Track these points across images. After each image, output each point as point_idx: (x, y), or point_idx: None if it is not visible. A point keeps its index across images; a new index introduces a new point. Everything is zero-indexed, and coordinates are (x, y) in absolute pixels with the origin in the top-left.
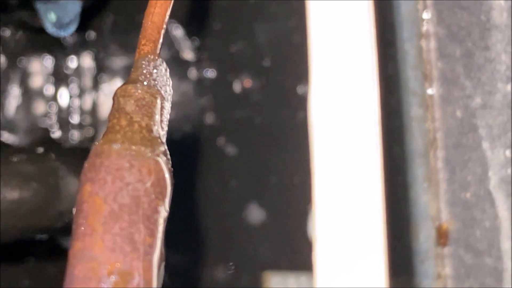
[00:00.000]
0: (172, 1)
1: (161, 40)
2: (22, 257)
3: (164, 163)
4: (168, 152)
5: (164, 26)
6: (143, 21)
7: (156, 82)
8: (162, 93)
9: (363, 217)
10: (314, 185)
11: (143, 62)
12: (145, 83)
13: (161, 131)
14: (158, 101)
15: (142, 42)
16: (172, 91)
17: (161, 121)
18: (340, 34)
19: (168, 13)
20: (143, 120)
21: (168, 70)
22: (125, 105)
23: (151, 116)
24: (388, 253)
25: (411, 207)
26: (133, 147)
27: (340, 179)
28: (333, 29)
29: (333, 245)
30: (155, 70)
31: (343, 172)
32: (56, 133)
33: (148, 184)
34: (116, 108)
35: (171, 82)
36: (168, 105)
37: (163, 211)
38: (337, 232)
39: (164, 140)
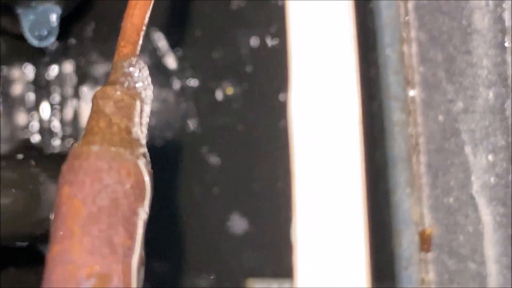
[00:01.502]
0: (152, 3)
1: (140, 42)
2: (1, 265)
3: (143, 165)
4: (148, 154)
5: (144, 27)
6: (122, 23)
7: (136, 84)
8: (141, 95)
9: (345, 222)
10: (295, 191)
11: (122, 63)
12: (124, 84)
13: (141, 133)
14: (138, 102)
15: (122, 44)
16: (152, 92)
17: (141, 123)
18: (320, 39)
19: (148, 14)
20: (122, 121)
21: (147, 71)
22: (104, 107)
23: (130, 118)
24: (371, 259)
25: (394, 212)
26: (112, 149)
27: (322, 185)
28: (313, 34)
29: (314, 251)
30: (134, 72)
31: (324, 177)
32: (37, 141)
33: (127, 186)
34: (95, 110)
35: (151, 84)
36: (148, 107)
37: (143, 213)
38: (318, 238)
39: (143, 142)
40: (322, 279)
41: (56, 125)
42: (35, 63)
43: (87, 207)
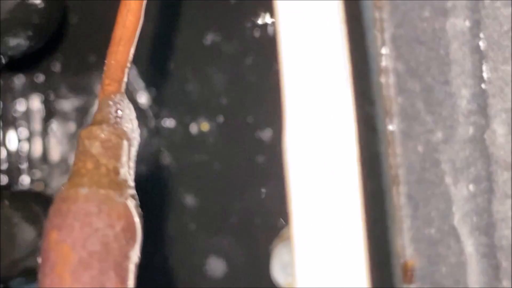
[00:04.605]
0: (136, 39)
1: (125, 79)
2: None
3: (133, 207)
4: (136, 196)
5: (128, 65)
6: (106, 60)
7: (122, 123)
8: (128, 134)
9: (344, 261)
10: (292, 225)
11: (108, 102)
12: (110, 124)
13: (129, 173)
14: (125, 142)
15: (106, 82)
16: (138, 131)
17: (129, 163)
18: (313, 72)
19: (132, 51)
20: (110, 162)
21: (133, 109)
22: (91, 148)
23: (118, 158)
24: None
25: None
26: (101, 191)
27: (318, 217)
28: (306, 70)
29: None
30: (120, 110)
31: (320, 209)
32: (5, 179)
33: (118, 229)
34: (82, 150)
35: (136, 122)
36: (135, 146)
37: (135, 257)
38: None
39: (132, 182)
40: None
41: (23, 161)
42: (1, 98)
43: (77, 253)
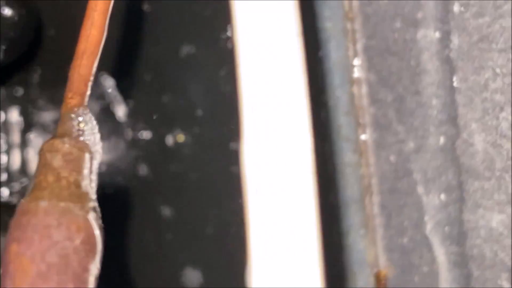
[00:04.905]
0: (99, 53)
1: (88, 93)
2: None
3: (94, 219)
4: (98, 208)
5: (91, 78)
6: (69, 73)
7: (84, 136)
8: (90, 147)
9: (300, 265)
10: (249, 237)
11: (70, 115)
12: (72, 137)
13: (90, 186)
14: (87, 155)
15: (69, 95)
16: (101, 144)
17: (90, 176)
18: (271, 84)
19: (95, 65)
20: (71, 175)
21: (95, 122)
22: (52, 161)
23: (79, 171)
24: None
25: (349, 254)
26: (61, 204)
27: (276, 229)
28: (264, 78)
29: None
30: (82, 124)
31: (278, 221)
32: None
33: (77, 242)
34: (43, 163)
35: (99, 135)
36: (97, 159)
37: (94, 269)
38: (273, 283)
39: (93, 195)
40: None
41: (2, 173)
42: None
43: (36, 265)
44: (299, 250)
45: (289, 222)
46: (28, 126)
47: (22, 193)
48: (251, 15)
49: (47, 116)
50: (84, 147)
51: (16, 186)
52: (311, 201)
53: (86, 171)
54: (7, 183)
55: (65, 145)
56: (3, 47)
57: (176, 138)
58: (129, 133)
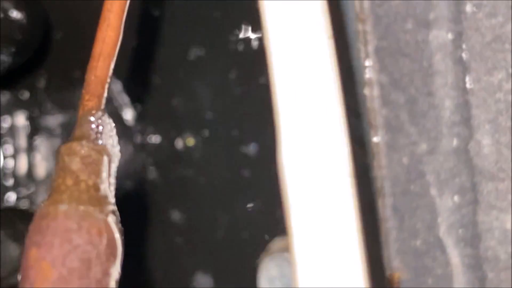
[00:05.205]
0: (116, 54)
1: (105, 95)
2: None
3: (113, 223)
4: (117, 211)
5: (108, 80)
6: (86, 76)
7: (102, 139)
8: (108, 150)
9: (343, 267)
10: (291, 235)
11: (88, 118)
12: (90, 139)
13: (109, 189)
14: (105, 158)
15: (86, 98)
16: (119, 146)
17: (109, 179)
18: (305, 87)
19: (112, 66)
20: (90, 178)
21: (113, 125)
22: (71, 164)
23: (98, 174)
24: None
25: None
26: (81, 207)
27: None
28: (298, 85)
29: None
30: (100, 126)
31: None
32: None
33: (98, 246)
34: (61, 167)
35: (117, 138)
36: (115, 162)
37: (115, 273)
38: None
39: (112, 199)
40: None
41: (9, 178)
42: None
43: (56, 270)
44: (343, 253)
45: (330, 221)
46: (34, 130)
47: (29, 198)
48: (282, 16)
49: (54, 120)
50: (102, 150)
51: (23, 191)
52: (352, 211)
53: (104, 174)
54: (14, 188)
55: (83, 148)
56: (12, 50)
57: (185, 141)
58: (138, 137)
